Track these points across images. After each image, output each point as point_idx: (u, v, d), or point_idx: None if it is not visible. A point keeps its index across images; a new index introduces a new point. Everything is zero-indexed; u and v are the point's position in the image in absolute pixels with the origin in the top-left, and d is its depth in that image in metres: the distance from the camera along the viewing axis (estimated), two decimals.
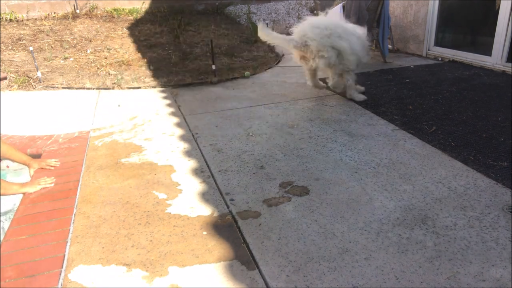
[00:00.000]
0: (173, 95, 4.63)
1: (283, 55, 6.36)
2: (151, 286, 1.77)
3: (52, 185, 2.63)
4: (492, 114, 3.58)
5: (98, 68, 5.61)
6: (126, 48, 6.52)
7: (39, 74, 5.10)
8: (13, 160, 2.85)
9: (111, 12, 8.25)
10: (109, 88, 4.96)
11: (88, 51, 6.29)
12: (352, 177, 2.61)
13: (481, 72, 4.95)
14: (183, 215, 2.29)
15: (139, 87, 4.98)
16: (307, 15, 9.48)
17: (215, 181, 2.65)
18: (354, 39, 3.93)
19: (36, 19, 7.59)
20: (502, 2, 4.75)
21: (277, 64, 5.93)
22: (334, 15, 5.68)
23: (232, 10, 9.10)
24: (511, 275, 1.74)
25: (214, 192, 2.52)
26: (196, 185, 2.61)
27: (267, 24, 5.02)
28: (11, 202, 2.76)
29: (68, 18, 7.69)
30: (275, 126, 3.53)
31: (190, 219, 2.24)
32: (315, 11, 8.31)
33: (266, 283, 1.76)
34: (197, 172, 2.79)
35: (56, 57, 6.02)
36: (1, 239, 2.14)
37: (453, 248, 1.93)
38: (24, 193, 2.53)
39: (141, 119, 3.88)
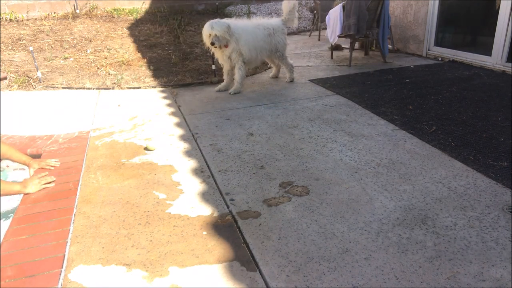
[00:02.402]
0: (173, 95, 4.63)
1: None
2: (151, 286, 1.77)
3: (53, 184, 2.63)
4: (492, 114, 3.58)
5: (98, 68, 5.61)
6: (126, 48, 6.52)
7: (39, 74, 5.10)
8: (13, 160, 2.85)
9: (111, 12, 8.25)
10: (109, 88, 4.96)
11: (88, 51, 6.29)
12: (352, 177, 2.61)
13: (481, 72, 4.95)
14: (183, 215, 2.28)
15: (139, 87, 4.99)
16: (307, 15, 9.48)
17: (215, 181, 2.65)
18: None
19: (36, 19, 7.59)
20: (502, 2, 4.75)
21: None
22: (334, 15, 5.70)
23: (232, 10, 9.11)
24: (511, 275, 1.74)
25: (214, 192, 2.52)
26: (196, 185, 2.61)
27: None
28: (11, 202, 2.76)
29: (68, 18, 7.69)
30: (275, 126, 3.53)
31: (190, 219, 2.24)
32: (315, 11, 8.31)
33: (266, 283, 1.76)
34: (197, 172, 2.79)
35: (56, 57, 6.02)
36: (1, 239, 2.14)
37: (453, 248, 1.92)
38: (24, 193, 2.52)
39: (141, 119, 3.88)
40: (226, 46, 4.41)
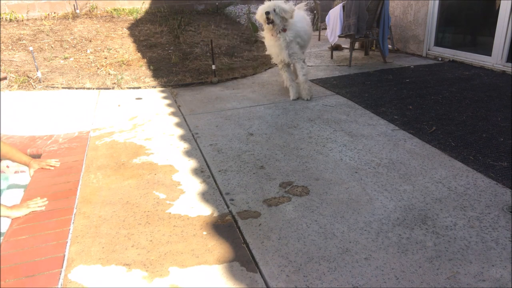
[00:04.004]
0: (173, 95, 4.63)
1: None
2: (151, 286, 1.77)
3: (43, 208, 2.37)
4: (492, 114, 3.58)
5: (98, 68, 5.62)
6: (126, 48, 6.52)
7: (39, 74, 5.10)
8: (13, 161, 2.85)
9: (111, 12, 8.25)
10: (109, 88, 4.96)
11: (88, 51, 6.29)
12: (352, 177, 2.61)
13: (481, 72, 4.95)
14: (183, 215, 2.29)
15: (139, 87, 4.99)
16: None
17: (215, 181, 2.65)
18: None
19: (36, 19, 7.59)
20: (502, 2, 4.75)
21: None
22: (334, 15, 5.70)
23: (232, 10, 9.10)
24: (511, 275, 1.74)
25: (214, 192, 2.52)
26: (196, 185, 2.61)
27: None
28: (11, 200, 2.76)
29: (68, 18, 7.69)
30: (275, 126, 3.53)
31: (190, 219, 2.25)
32: (315, 11, 8.31)
33: (266, 283, 1.76)
34: (197, 172, 2.79)
35: (56, 57, 6.03)
36: (1, 239, 2.14)
37: (453, 248, 1.93)
38: (10, 217, 2.28)
39: (141, 119, 3.88)
40: (284, 30, 4.02)
